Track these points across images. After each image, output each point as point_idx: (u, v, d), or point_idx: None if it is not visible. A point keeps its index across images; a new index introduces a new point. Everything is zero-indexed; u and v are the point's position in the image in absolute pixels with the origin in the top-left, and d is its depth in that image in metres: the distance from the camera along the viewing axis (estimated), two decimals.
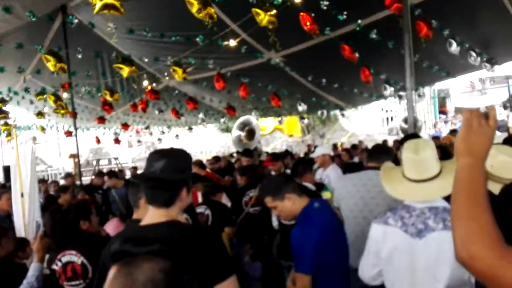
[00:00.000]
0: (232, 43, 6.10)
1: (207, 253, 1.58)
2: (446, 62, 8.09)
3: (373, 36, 6.10)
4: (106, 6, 3.59)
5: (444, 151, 6.65)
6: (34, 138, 3.80)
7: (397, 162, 3.16)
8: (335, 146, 12.44)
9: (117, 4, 3.63)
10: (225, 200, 5.58)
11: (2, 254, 2.82)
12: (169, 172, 1.69)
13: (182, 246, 1.57)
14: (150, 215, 1.71)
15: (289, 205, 2.35)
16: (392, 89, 8.60)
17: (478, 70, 8.67)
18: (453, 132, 9.38)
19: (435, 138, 9.26)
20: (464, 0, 5.63)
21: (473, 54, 7.16)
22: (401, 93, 9.49)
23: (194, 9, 4.33)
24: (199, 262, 1.55)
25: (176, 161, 1.74)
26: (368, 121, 19.52)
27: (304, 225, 2.26)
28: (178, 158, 1.78)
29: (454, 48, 6.44)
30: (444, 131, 13.84)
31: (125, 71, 6.27)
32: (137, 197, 2.21)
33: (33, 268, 2.55)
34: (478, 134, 0.98)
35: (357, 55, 6.59)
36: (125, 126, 14.04)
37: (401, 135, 16.39)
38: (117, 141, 16.00)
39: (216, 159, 9.87)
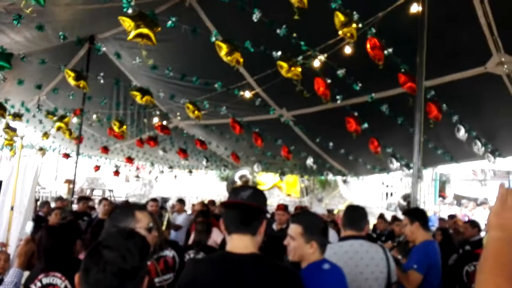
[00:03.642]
0: (248, 94, 6.27)
1: None
2: (451, 146, 8.16)
3: (384, 109, 6.24)
4: (139, 35, 3.70)
5: (446, 233, 6.52)
6: (44, 153, 3.82)
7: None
8: (329, 212, 12.29)
9: (151, 34, 3.75)
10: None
11: None
12: (257, 200, 1.70)
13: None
14: (236, 244, 1.67)
15: (308, 252, 2.22)
16: (398, 164, 8.62)
17: (482, 159, 8.73)
18: (451, 217, 9.31)
19: (451, 217, 9.24)
20: (474, 89, 5.76)
21: (478, 143, 7.20)
22: (405, 169, 9.51)
23: (222, 52, 4.43)
24: None
25: (261, 192, 1.77)
26: (367, 192, 19.44)
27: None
28: (261, 191, 1.80)
29: (462, 134, 6.46)
30: (442, 215, 13.77)
31: (140, 97, 6.26)
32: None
33: (12, 274, 2.31)
34: (511, 210, 1.02)
35: (366, 125, 6.70)
36: (130, 160, 14.02)
37: (399, 212, 16.23)
38: (116, 173, 15.92)
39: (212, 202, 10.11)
